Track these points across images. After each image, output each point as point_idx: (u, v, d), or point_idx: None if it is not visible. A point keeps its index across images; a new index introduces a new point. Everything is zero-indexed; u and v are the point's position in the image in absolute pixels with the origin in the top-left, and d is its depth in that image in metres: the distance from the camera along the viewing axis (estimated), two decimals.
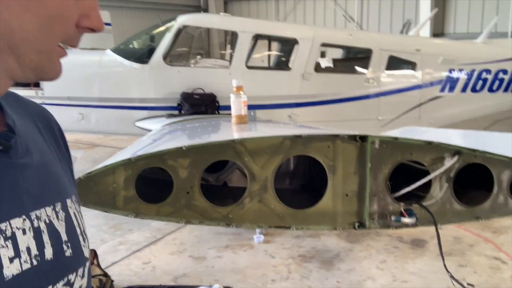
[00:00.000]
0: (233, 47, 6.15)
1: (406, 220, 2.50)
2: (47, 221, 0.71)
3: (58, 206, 0.74)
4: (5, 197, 0.65)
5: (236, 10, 18.81)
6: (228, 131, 3.45)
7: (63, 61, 0.70)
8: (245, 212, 2.45)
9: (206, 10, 18.49)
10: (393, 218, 2.51)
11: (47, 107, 0.90)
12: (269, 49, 7.09)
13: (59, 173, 0.80)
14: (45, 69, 0.68)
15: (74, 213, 0.79)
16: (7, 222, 0.64)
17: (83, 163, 6.71)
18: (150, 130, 4.94)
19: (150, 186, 2.46)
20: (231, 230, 4.91)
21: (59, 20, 0.66)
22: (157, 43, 5.97)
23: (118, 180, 2.20)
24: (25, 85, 5.53)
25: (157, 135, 3.47)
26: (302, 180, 3.09)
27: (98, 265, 3.73)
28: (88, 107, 5.81)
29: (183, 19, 5.90)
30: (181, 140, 3.26)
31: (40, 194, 0.71)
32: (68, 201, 0.78)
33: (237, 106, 3.40)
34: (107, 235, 4.95)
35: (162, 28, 6.15)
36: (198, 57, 7.07)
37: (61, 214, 0.75)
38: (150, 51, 5.95)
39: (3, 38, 0.63)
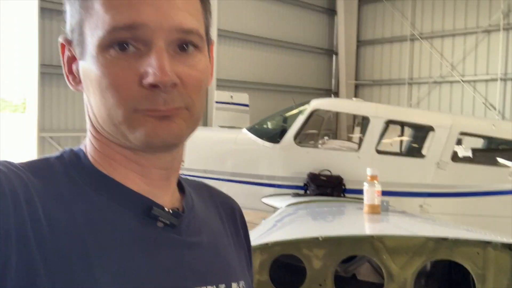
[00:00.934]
0: (363, 131, 6.13)
1: None
2: None
3: (222, 287, 0.75)
4: (169, 270, 0.68)
5: (367, 94, 18.59)
6: (362, 222, 3.35)
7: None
8: None
9: (336, 93, 18.82)
10: None
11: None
12: (401, 135, 6.92)
13: (229, 257, 0.82)
14: (127, 137, 0.70)
15: None
16: None
17: None
18: (275, 207, 5.00)
19: (281, 271, 2.44)
20: None
21: (111, 89, 0.67)
22: (289, 124, 6.20)
23: (254, 264, 2.22)
24: None
25: (288, 217, 3.49)
26: (439, 283, 2.83)
27: None
28: (220, 180, 6.12)
29: (316, 103, 6.10)
30: (316, 228, 3.23)
31: (204, 273, 0.73)
32: (234, 285, 0.78)
33: (371, 195, 3.33)
34: None
35: (295, 111, 6.40)
36: (326, 137, 7.16)
37: None
38: (282, 132, 6.18)
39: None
